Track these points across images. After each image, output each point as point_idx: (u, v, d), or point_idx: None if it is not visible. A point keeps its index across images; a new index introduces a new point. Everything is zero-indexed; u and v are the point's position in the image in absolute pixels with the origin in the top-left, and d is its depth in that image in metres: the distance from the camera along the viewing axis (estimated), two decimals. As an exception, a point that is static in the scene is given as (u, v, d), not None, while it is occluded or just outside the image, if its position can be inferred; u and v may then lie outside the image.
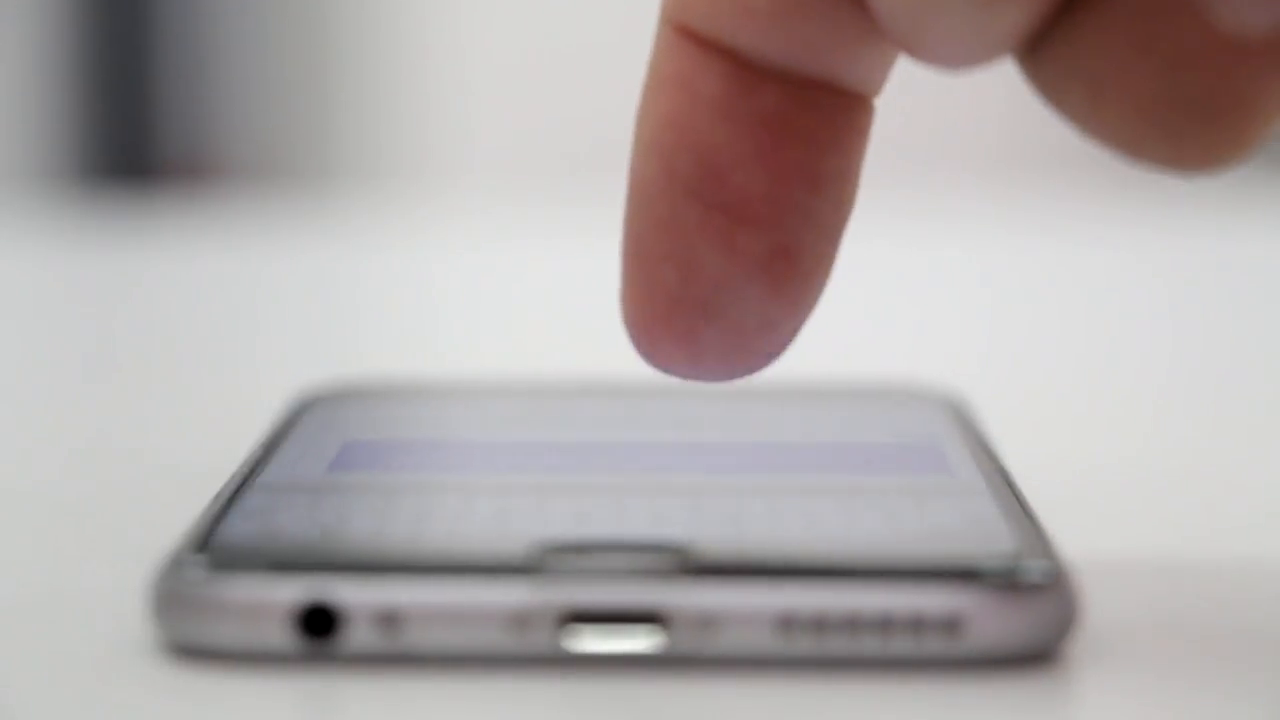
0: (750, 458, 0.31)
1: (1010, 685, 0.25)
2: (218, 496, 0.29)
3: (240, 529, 0.27)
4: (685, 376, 0.27)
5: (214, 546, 0.26)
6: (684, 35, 0.25)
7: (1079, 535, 0.28)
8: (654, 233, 0.26)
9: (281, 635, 0.25)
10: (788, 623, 0.25)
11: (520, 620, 0.25)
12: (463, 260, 0.70)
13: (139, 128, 1.70)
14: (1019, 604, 0.25)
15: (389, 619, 0.25)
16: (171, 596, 0.26)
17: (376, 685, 0.25)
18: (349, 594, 0.25)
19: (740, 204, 0.25)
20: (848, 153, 0.26)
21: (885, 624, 0.25)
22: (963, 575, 0.25)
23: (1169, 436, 0.42)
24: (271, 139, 1.77)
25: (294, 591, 0.25)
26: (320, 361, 0.50)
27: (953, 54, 0.24)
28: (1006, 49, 0.23)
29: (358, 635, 0.25)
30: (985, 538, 0.27)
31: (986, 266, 0.67)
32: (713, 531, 0.27)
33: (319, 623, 0.25)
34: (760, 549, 0.26)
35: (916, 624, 0.25)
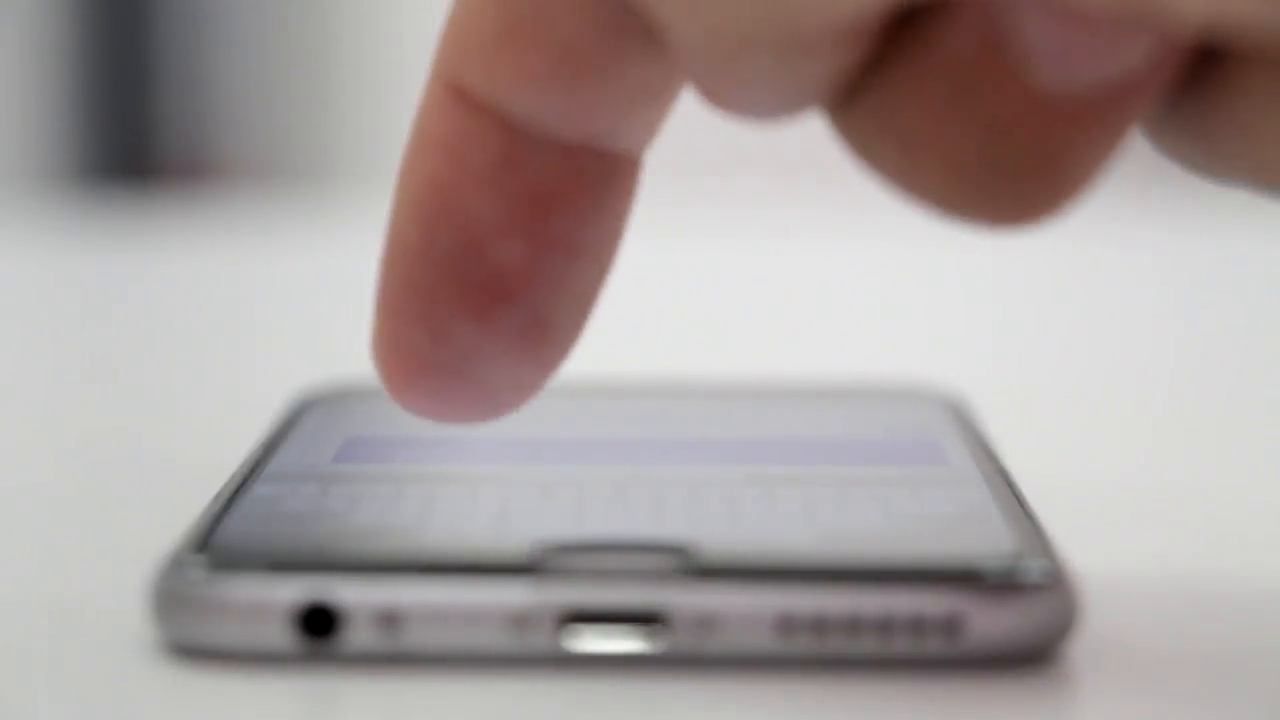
0: (751, 458, 0.31)
1: (1010, 685, 0.25)
2: (218, 496, 0.29)
3: (240, 529, 0.27)
4: (435, 420, 0.26)
5: (214, 546, 0.26)
6: (455, 95, 0.24)
7: (1079, 536, 0.28)
8: (407, 294, 0.25)
9: (281, 635, 0.25)
10: (788, 623, 0.25)
11: (520, 620, 0.25)
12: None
13: (139, 128, 1.70)
14: (1019, 604, 0.25)
15: (389, 619, 0.25)
16: (171, 596, 0.26)
17: (376, 685, 0.25)
18: (349, 594, 0.25)
19: (498, 278, 0.25)
20: (614, 216, 0.25)
21: (885, 624, 0.25)
22: (963, 575, 0.25)
23: (1170, 437, 0.42)
24: (271, 139, 1.77)
25: (294, 591, 0.25)
26: (320, 361, 0.50)
27: (756, 105, 0.23)
28: (812, 102, 0.23)
29: (358, 635, 0.25)
30: (985, 538, 0.27)
31: (988, 267, 0.67)
32: (713, 531, 0.27)
33: (319, 623, 0.25)
34: (760, 549, 0.26)
35: (916, 624, 0.25)
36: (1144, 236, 0.75)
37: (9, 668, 0.26)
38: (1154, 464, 0.39)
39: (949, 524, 0.28)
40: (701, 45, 0.22)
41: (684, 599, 0.25)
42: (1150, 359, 0.52)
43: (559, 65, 0.24)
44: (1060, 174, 0.22)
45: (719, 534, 0.27)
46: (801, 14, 0.21)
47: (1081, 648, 0.26)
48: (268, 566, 0.26)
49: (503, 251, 0.25)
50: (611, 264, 0.25)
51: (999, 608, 0.25)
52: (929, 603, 0.25)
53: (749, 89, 0.22)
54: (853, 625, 0.25)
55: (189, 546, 0.26)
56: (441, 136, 0.25)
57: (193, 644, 0.26)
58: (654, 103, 0.24)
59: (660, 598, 0.25)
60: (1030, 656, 0.25)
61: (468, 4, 0.24)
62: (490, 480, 0.30)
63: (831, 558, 0.26)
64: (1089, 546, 0.28)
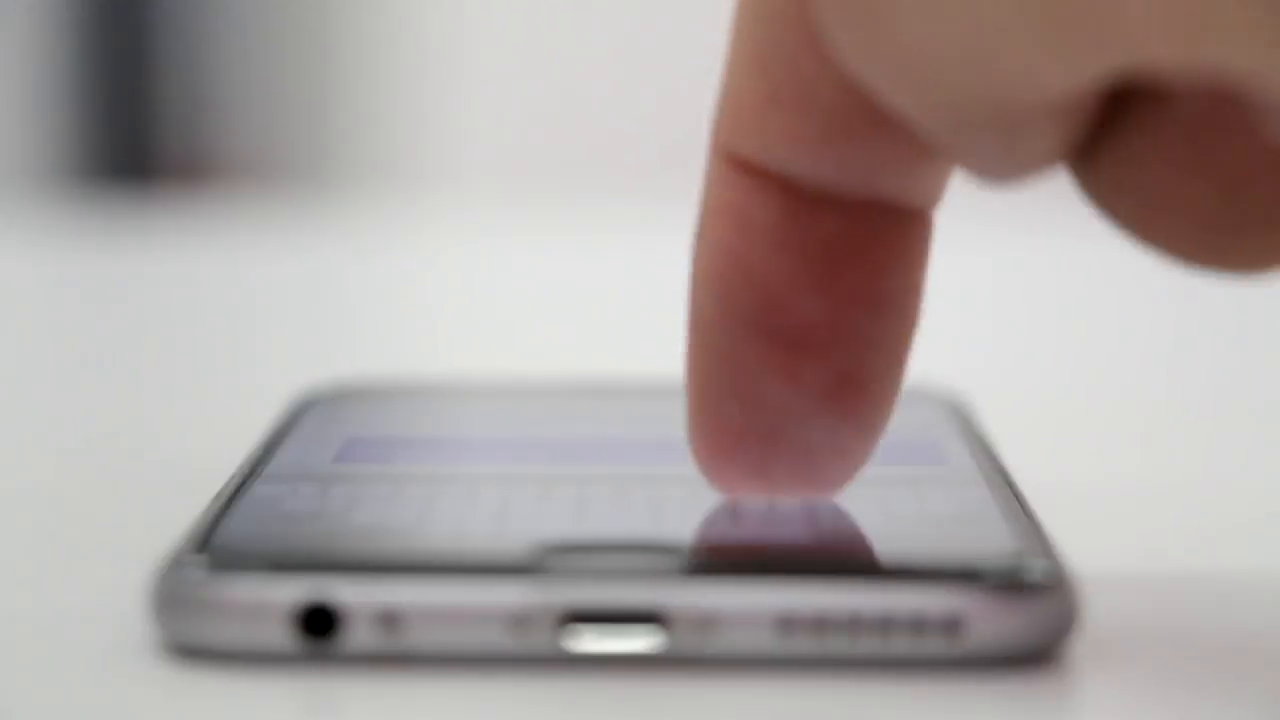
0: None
1: (1010, 685, 0.25)
2: (218, 496, 0.29)
3: (240, 529, 0.27)
4: (757, 500, 0.27)
5: (214, 546, 0.26)
6: (734, 165, 0.25)
7: (1079, 536, 0.28)
8: (715, 368, 0.25)
9: (281, 635, 0.25)
10: (788, 623, 0.25)
11: (520, 620, 0.25)
12: (462, 260, 0.70)
13: (139, 128, 1.70)
14: (1019, 604, 0.25)
15: (389, 619, 0.25)
16: (171, 596, 0.26)
17: (376, 685, 0.25)
18: (349, 594, 0.25)
19: (802, 335, 0.25)
20: (909, 271, 0.25)
21: (885, 624, 0.25)
22: (963, 575, 0.25)
23: (1170, 438, 0.42)
24: (271, 139, 1.77)
25: (294, 591, 0.25)
26: (320, 361, 0.50)
27: (994, 171, 0.23)
28: (1048, 165, 0.23)
29: (358, 635, 0.25)
30: (985, 538, 0.27)
31: (988, 267, 0.67)
32: (713, 531, 0.27)
33: (319, 623, 0.25)
34: (760, 549, 0.26)
35: (916, 624, 0.25)
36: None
37: (9, 668, 0.26)
38: (1154, 464, 0.39)
39: (949, 524, 0.28)
40: (926, 123, 0.23)
41: (684, 599, 0.25)
42: (1150, 359, 0.52)
43: (822, 131, 0.24)
44: None
45: (719, 534, 0.27)
46: (1008, 98, 0.22)
47: (1081, 648, 0.26)
48: (268, 566, 0.26)
49: (802, 307, 0.25)
50: (917, 318, 0.26)
51: (999, 608, 0.25)
52: (929, 603, 0.25)
53: (983, 160, 0.23)
54: (853, 625, 0.25)
55: (189, 546, 0.26)
56: (727, 205, 0.25)
57: (193, 644, 0.25)
58: (928, 166, 0.25)
59: (660, 598, 0.25)
60: (1030, 656, 0.25)
61: (733, 76, 0.24)
62: (490, 480, 0.30)
63: (831, 558, 0.26)
64: (1089, 546, 0.28)
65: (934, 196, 0.25)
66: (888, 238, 0.25)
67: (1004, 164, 0.23)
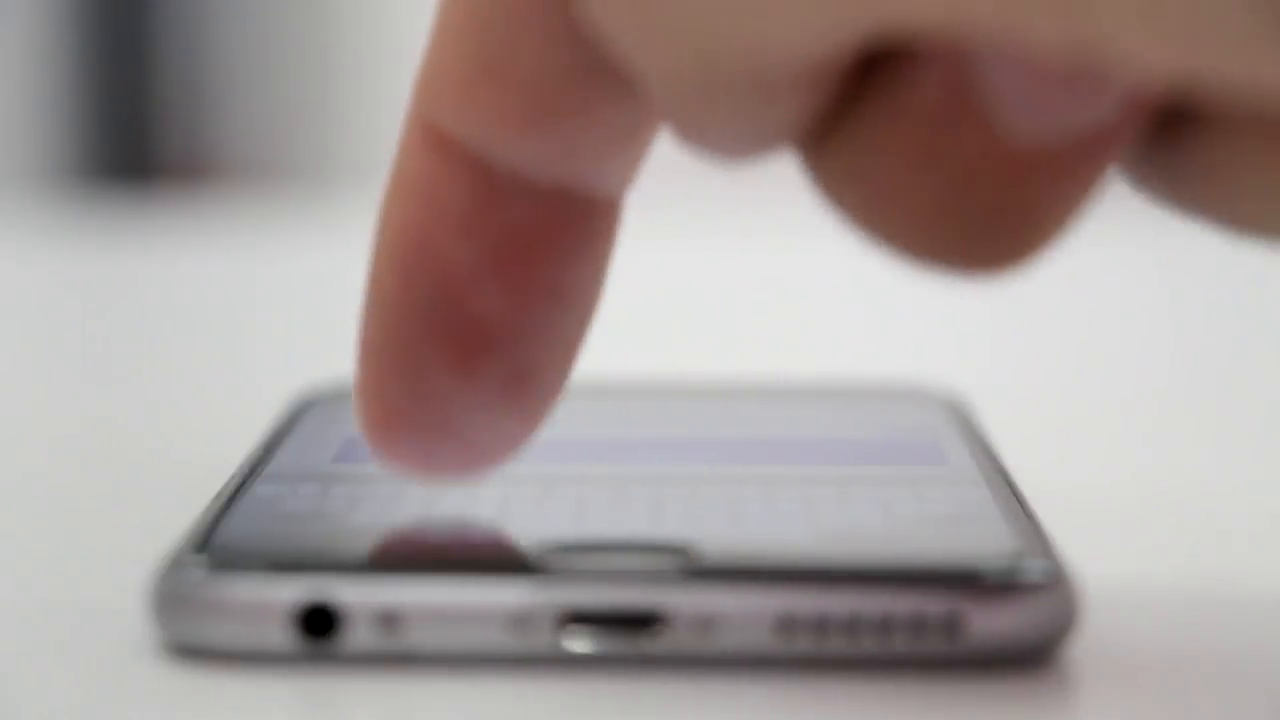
0: (751, 458, 0.31)
1: (1010, 685, 0.25)
2: (218, 496, 0.29)
3: (240, 529, 0.27)
4: (418, 479, 0.26)
5: (214, 546, 0.26)
6: (431, 138, 0.24)
7: (1079, 536, 0.28)
8: (387, 346, 0.25)
9: (281, 635, 0.25)
10: (788, 623, 0.25)
11: (520, 620, 0.25)
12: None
13: (139, 128, 1.70)
14: (1019, 604, 0.25)
15: (389, 619, 0.25)
16: (171, 596, 0.26)
17: (376, 685, 0.25)
18: (349, 594, 0.25)
19: (479, 330, 0.24)
20: (595, 261, 0.25)
21: (885, 624, 0.25)
22: (963, 575, 0.25)
23: (1170, 438, 0.42)
24: (271, 139, 1.77)
25: (294, 591, 0.25)
26: (320, 361, 0.50)
27: (725, 146, 0.22)
28: (781, 144, 0.22)
29: (358, 635, 0.25)
30: (985, 538, 0.27)
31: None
32: (713, 531, 0.27)
33: (319, 623, 0.25)
34: (760, 549, 0.26)
35: (916, 624, 0.25)
36: (1144, 237, 0.75)
37: (9, 668, 0.26)
38: (1154, 464, 0.39)
39: (949, 524, 0.28)
40: (665, 85, 0.22)
41: (684, 599, 0.25)
42: (1150, 360, 0.52)
43: (532, 107, 0.23)
44: (1031, 224, 0.22)
45: (719, 534, 0.27)
46: (760, 53, 0.21)
47: (1081, 648, 0.26)
48: (268, 566, 0.26)
49: (482, 300, 0.24)
50: (594, 310, 0.25)
51: (999, 608, 0.25)
52: (929, 603, 0.25)
53: (717, 130, 0.22)
54: (853, 625, 0.25)
55: (189, 546, 0.26)
56: (417, 180, 0.24)
57: (193, 644, 0.26)
58: (630, 145, 0.24)
59: (660, 598, 0.25)
60: (1030, 656, 0.25)
61: (441, 45, 0.23)
62: (490, 480, 0.30)
63: (831, 558, 0.26)
64: (1089, 546, 0.28)
65: (626, 185, 0.25)
66: (577, 227, 0.24)
67: (737, 137, 0.22)
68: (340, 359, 0.51)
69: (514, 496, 0.29)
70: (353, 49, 1.76)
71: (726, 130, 0.22)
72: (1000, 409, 0.36)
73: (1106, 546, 0.31)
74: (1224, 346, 0.54)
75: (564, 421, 0.34)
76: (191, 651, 0.26)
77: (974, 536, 0.27)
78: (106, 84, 1.69)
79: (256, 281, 0.65)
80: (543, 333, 0.25)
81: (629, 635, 0.25)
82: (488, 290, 0.24)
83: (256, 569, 0.25)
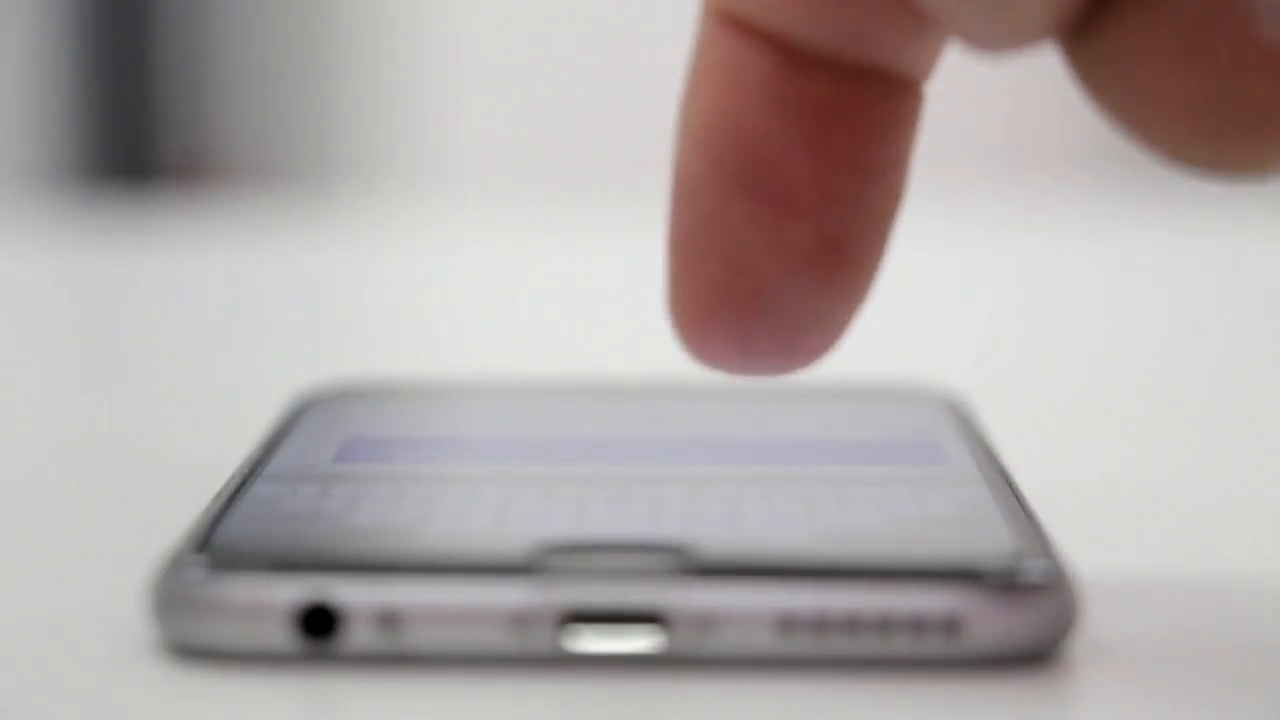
0: (751, 457, 0.31)
1: (1010, 685, 0.25)
2: (218, 496, 0.29)
3: (240, 529, 0.27)
4: (734, 372, 0.26)
5: (214, 546, 0.26)
6: (728, 23, 0.25)
7: (1079, 536, 0.28)
8: (700, 227, 0.25)
9: (281, 635, 0.25)
10: (788, 623, 0.25)
11: (520, 620, 0.25)
12: (462, 260, 0.70)
13: (139, 128, 1.70)
14: (1019, 604, 0.25)
15: (389, 619, 0.25)
16: (171, 596, 0.26)
17: (376, 685, 0.25)
18: (349, 594, 0.25)
19: (788, 195, 0.25)
20: (897, 141, 0.25)
21: (885, 624, 0.25)
22: (963, 575, 0.25)
23: (1170, 437, 0.42)
24: (271, 139, 1.77)
25: (294, 591, 0.25)
26: (320, 361, 0.50)
27: (982, 40, 0.23)
28: (1037, 38, 0.23)
29: (358, 635, 0.25)
30: (985, 538, 0.27)
31: (989, 266, 0.67)
32: (713, 531, 0.27)
33: (319, 623, 0.25)
34: (760, 549, 0.26)
35: (916, 624, 0.25)
36: (1144, 236, 0.75)
37: (9, 668, 0.26)
38: (1154, 464, 0.39)
39: (949, 524, 0.28)
40: None
41: (684, 599, 0.25)
42: (1150, 359, 0.52)
43: None
44: None
45: (719, 534, 0.27)
46: None
47: (1081, 648, 0.26)
48: (268, 566, 0.26)
49: (790, 167, 0.25)
50: (903, 191, 0.26)
51: (999, 608, 0.25)
52: (929, 603, 0.25)
53: (973, 25, 0.23)
54: (852, 625, 0.25)
55: (189, 546, 0.26)
56: (719, 64, 0.25)
57: (193, 644, 0.26)
58: (922, 33, 0.25)
59: (660, 598, 0.25)
60: (1030, 656, 0.25)
61: None
62: (490, 480, 0.30)
63: (831, 558, 0.26)
64: (1089, 546, 0.28)
65: (926, 67, 0.25)
66: (879, 105, 0.25)
67: (992, 32, 0.23)
68: (340, 359, 0.51)
69: (514, 496, 0.29)
70: (353, 49, 1.76)
71: (981, 24, 0.23)
72: (1000, 409, 0.37)
73: (1106, 546, 0.31)
74: (1223, 346, 0.54)
75: (564, 421, 0.34)
76: (191, 651, 0.26)
77: (974, 536, 0.27)
78: (106, 84, 1.69)
79: (256, 281, 0.65)
80: (850, 203, 0.25)
81: (629, 635, 0.25)
82: (795, 158, 0.25)
83: (256, 569, 0.25)
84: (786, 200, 0.25)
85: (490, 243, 0.75)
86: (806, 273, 0.25)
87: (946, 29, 0.24)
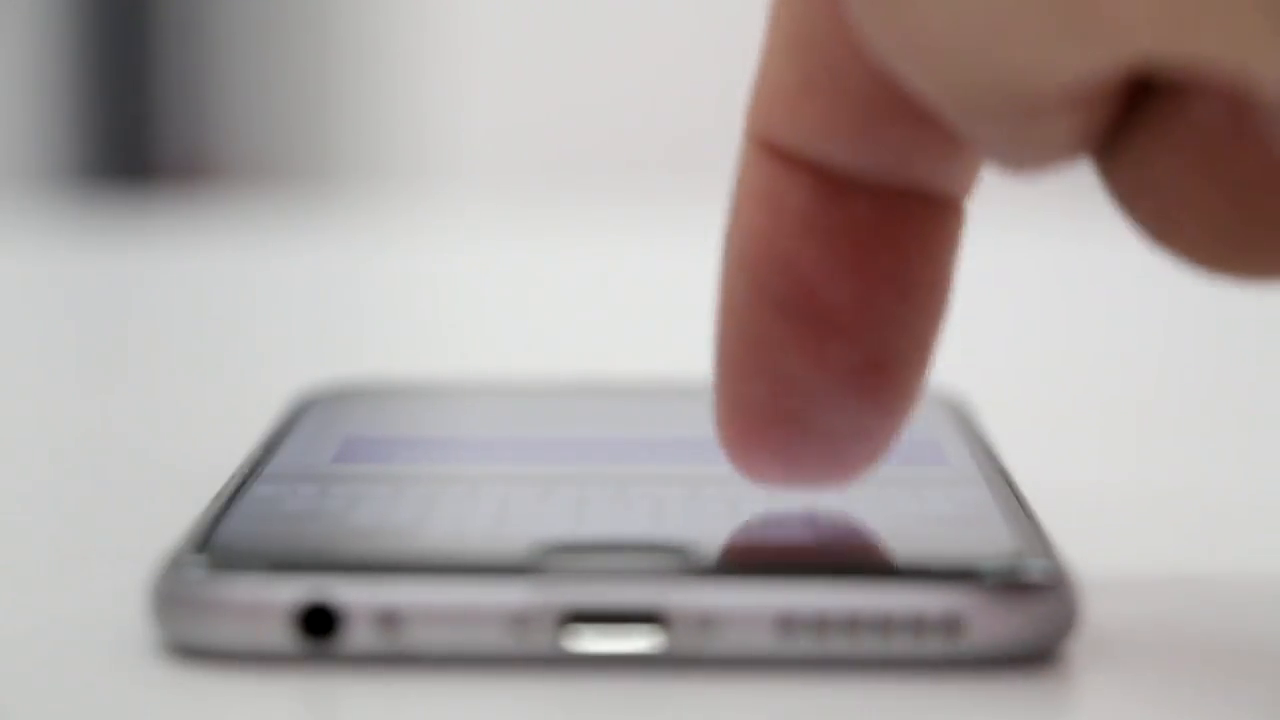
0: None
1: (1010, 685, 0.25)
2: (218, 496, 0.29)
3: (240, 529, 0.27)
4: (781, 487, 0.27)
5: (214, 546, 0.26)
6: (768, 150, 0.25)
7: (1079, 536, 0.28)
8: (744, 349, 0.26)
9: (281, 635, 0.25)
10: (788, 623, 0.25)
11: (520, 620, 0.25)
12: (462, 260, 0.70)
13: (139, 128, 1.70)
14: (1019, 604, 0.25)
15: (389, 619, 0.25)
16: (171, 596, 0.26)
17: (376, 685, 0.25)
18: (349, 594, 0.25)
19: (830, 316, 0.25)
20: (938, 259, 0.26)
21: (885, 624, 0.25)
22: (963, 575, 0.25)
23: (1170, 438, 0.42)
24: (271, 139, 1.77)
25: (294, 591, 0.25)
26: (320, 361, 0.50)
27: (1012, 159, 0.24)
28: (1066, 156, 0.23)
29: (358, 635, 0.25)
30: (985, 537, 0.27)
31: (989, 266, 0.67)
32: (713, 531, 0.27)
33: (319, 623, 0.25)
34: (760, 549, 0.26)
35: (916, 624, 0.25)
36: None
37: (9, 668, 0.26)
38: (1154, 464, 0.39)
39: (949, 524, 0.28)
40: (944, 108, 0.23)
41: (684, 599, 0.25)
42: (1150, 360, 0.52)
43: (856, 117, 0.24)
44: None
45: (719, 534, 0.27)
46: (1020, 85, 0.22)
47: (1081, 648, 0.26)
48: (268, 566, 0.26)
49: (831, 290, 0.25)
50: (945, 307, 0.26)
51: (999, 608, 0.25)
52: (929, 603, 0.25)
53: (1001, 146, 0.23)
54: (853, 625, 0.25)
55: (189, 546, 0.26)
56: (759, 190, 0.25)
57: (193, 644, 0.26)
58: (959, 156, 0.25)
59: (660, 598, 0.25)
60: (1030, 656, 0.25)
61: (771, 62, 0.25)
62: (490, 480, 0.30)
63: (831, 558, 0.26)
64: (1089, 546, 0.28)
65: (965, 186, 0.26)
66: (917, 224, 0.25)
67: (1020, 153, 0.23)
68: (340, 359, 0.51)
69: (514, 496, 0.29)
70: (353, 49, 1.76)
71: (1008, 145, 0.23)
72: (1000, 409, 0.36)
73: (1106, 546, 0.31)
74: (1224, 346, 0.54)
75: (564, 421, 0.34)
76: (191, 651, 0.26)
77: (974, 536, 0.27)
78: (106, 84, 1.69)
79: (256, 281, 0.65)
80: (892, 323, 0.26)
81: (629, 635, 0.25)
82: (836, 281, 0.25)
83: (256, 569, 0.25)
84: (828, 322, 0.25)
85: (490, 242, 0.75)
86: (849, 393, 0.26)
87: (979, 152, 0.24)
